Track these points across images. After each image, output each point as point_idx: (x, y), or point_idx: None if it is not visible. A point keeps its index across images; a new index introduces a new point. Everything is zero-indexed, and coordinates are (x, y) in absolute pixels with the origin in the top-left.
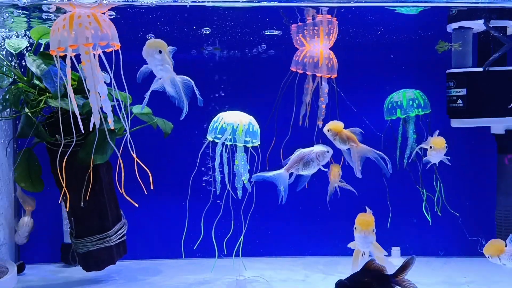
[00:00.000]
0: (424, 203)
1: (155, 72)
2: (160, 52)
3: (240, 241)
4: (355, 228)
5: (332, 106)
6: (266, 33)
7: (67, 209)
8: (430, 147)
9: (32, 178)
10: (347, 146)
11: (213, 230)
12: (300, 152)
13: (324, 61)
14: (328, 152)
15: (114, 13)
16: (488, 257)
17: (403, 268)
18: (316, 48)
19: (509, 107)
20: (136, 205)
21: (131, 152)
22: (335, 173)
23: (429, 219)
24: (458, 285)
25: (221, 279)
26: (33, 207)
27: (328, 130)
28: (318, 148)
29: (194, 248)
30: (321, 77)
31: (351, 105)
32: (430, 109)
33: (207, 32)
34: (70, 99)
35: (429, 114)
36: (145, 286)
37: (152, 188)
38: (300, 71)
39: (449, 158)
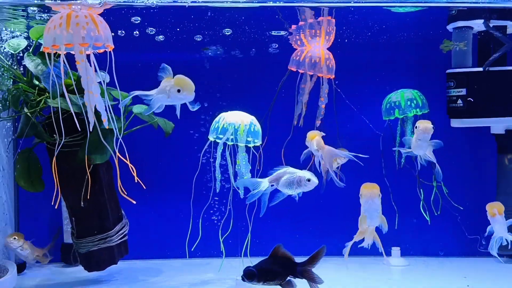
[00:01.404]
0: (421, 202)
1: (161, 99)
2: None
3: (248, 241)
4: (361, 195)
5: (330, 106)
6: (273, 34)
7: (56, 207)
8: (416, 127)
9: (32, 178)
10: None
11: (220, 230)
12: (286, 170)
13: (325, 61)
14: (309, 181)
15: (139, 19)
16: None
17: (312, 259)
18: (317, 49)
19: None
20: (134, 202)
21: (125, 152)
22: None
23: (428, 219)
24: (458, 285)
25: (221, 279)
26: (45, 261)
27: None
28: (303, 173)
29: (192, 249)
30: (321, 77)
31: (351, 105)
32: (428, 109)
33: (212, 32)
34: (65, 98)
35: (427, 114)
36: (146, 286)
37: (143, 185)
38: (301, 71)
39: (438, 142)
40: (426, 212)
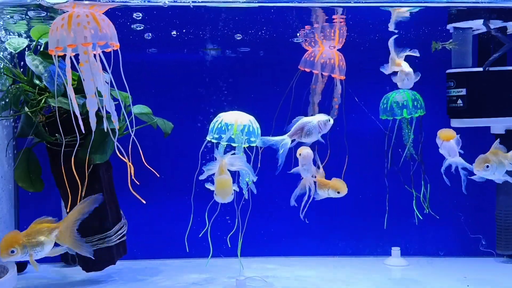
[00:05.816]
0: (414, 201)
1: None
2: None
3: (240, 241)
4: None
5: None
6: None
7: (68, 210)
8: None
9: (31, 178)
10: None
11: (209, 228)
12: (302, 120)
13: (339, 62)
14: (329, 121)
15: (142, 26)
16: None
17: None
18: (331, 50)
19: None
20: (144, 201)
21: (120, 153)
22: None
23: (420, 217)
24: (458, 285)
25: (221, 279)
26: None
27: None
28: (319, 117)
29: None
30: (335, 78)
31: (361, 105)
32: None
33: (212, 33)
34: (71, 99)
35: (425, 115)
36: (145, 286)
37: (138, 182)
38: (315, 72)
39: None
40: (417, 211)
